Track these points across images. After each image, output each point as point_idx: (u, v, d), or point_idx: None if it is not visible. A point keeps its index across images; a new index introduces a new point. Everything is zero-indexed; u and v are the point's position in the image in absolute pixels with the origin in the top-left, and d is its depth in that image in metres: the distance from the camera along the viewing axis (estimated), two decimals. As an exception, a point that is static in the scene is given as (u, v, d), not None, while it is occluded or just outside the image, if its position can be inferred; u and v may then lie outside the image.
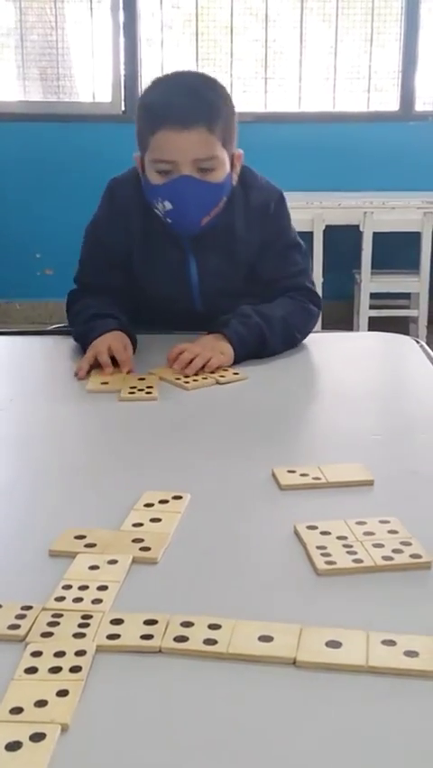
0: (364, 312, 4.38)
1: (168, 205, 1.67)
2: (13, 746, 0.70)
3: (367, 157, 4.73)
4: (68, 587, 0.94)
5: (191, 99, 1.64)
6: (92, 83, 4.91)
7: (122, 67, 4.80)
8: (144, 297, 1.86)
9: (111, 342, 1.67)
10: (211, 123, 1.63)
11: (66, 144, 4.74)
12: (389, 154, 4.74)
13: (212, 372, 1.63)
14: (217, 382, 1.61)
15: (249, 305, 1.77)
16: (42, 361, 1.85)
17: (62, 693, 0.76)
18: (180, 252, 1.80)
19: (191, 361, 1.64)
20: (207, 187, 1.66)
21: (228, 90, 1.76)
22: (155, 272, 1.81)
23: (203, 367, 1.63)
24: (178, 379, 1.61)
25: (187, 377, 1.62)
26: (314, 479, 1.20)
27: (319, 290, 4.27)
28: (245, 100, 4.91)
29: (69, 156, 4.69)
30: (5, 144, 4.77)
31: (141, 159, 1.71)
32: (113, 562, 0.99)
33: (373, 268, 4.34)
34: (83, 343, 1.73)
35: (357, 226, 4.31)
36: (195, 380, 1.61)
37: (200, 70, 4.81)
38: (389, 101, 4.91)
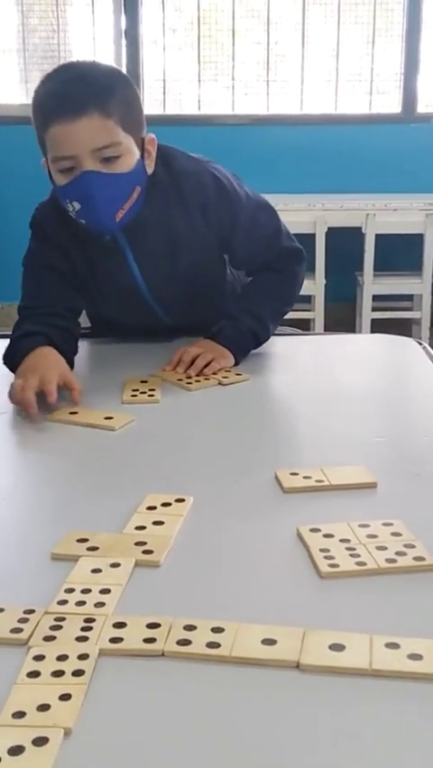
0: (367, 314, 4.37)
1: (77, 206, 1.53)
2: (16, 751, 0.70)
3: (369, 159, 4.72)
4: (70, 590, 0.93)
5: (78, 85, 1.50)
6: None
7: (124, 69, 4.80)
8: (108, 317, 1.80)
9: (33, 374, 1.50)
10: (105, 106, 1.48)
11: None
12: (391, 156, 4.74)
13: (214, 374, 1.63)
14: (220, 383, 1.61)
15: (237, 304, 1.75)
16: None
17: (65, 697, 0.76)
18: (121, 263, 1.68)
19: (193, 362, 1.64)
20: (114, 178, 1.51)
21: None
22: (104, 293, 1.72)
23: (204, 367, 1.64)
24: (180, 380, 1.61)
25: (189, 377, 1.62)
26: (317, 481, 1.20)
27: (321, 293, 4.30)
28: (248, 103, 4.92)
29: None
30: (7, 147, 4.77)
31: (46, 162, 1.57)
32: (115, 565, 0.99)
33: (375, 270, 4.34)
34: (11, 366, 1.60)
35: (360, 228, 4.31)
36: (197, 381, 1.61)
37: (202, 72, 4.85)
38: (391, 103, 4.90)
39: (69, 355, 1.63)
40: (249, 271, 1.83)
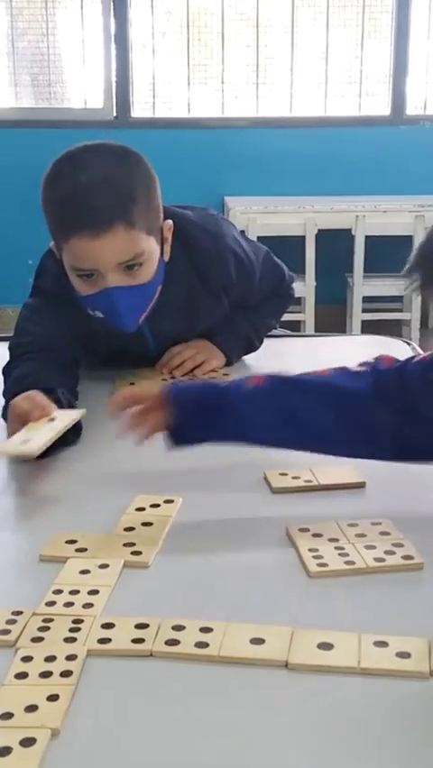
0: (357, 315, 4.38)
1: (99, 314, 1.47)
2: (3, 752, 0.70)
3: (359, 161, 4.73)
4: (58, 591, 0.93)
5: (100, 194, 1.38)
6: (84, 89, 4.91)
7: (113, 73, 4.80)
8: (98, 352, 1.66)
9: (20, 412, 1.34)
10: (129, 218, 1.39)
11: (58, 150, 4.73)
12: (380, 158, 4.74)
13: (203, 374, 1.63)
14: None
15: (237, 311, 1.74)
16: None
17: (53, 698, 0.76)
18: (138, 336, 1.59)
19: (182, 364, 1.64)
20: (137, 291, 1.44)
21: (144, 161, 1.48)
22: (107, 344, 1.60)
23: (193, 369, 1.64)
24: (164, 380, 1.61)
25: (173, 378, 1.62)
26: (306, 481, 1.20)
27: (312, 295, 4.30)
28: (237, 105, 4.92)
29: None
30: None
31: (57, 250, 1.47)
32: (104, 566, 0.99)
33: (365, 271, 4.34)
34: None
35: (349, 230, 4.32)
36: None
37: (192, 75, 4.85)
38: (380, 105, 4.91)
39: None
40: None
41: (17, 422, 1.30)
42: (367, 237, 4.29)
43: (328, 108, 4.93)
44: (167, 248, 1.52)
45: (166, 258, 1.52)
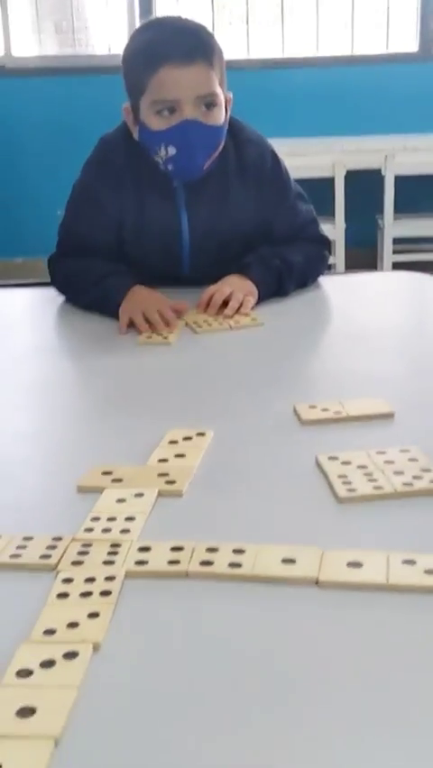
0: (388, 257, 4.35)
1: (171, 151, 1.63)
2: (47, 664, 0.73)
3: (387, 99, 4.67)
4: (96, 519, 0.96)
5: (187, 35, 1.62)
6: (107, 34, 4.87)
7: (137, 17, 4.75)
8: (130, 264, 1.81)
9: (143, 306, 1.62)
10: (210, 59, 1.61)
11: (84, 98, 4.71)
12: (409, 96, 4.68)
13: (231, 316, 1.65)
14: (230, 327, 1.62)
15: (267, 247, 1.77)
16: (59, 313, 1.85)
17: (93, 615, 0.79)
18: (173, 208, 1.75)
19: (225, 304, 1.66)
20: (211, 129, 1.63)
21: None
22: (146, 233, 1.76)
23: (239, 308, 1.66)
24: (194, 323, 1.63)
25: (225, 317, 1.64)
26: (335, 413, 1.22)
27: (342, 237, 4.27)
28: (263, 45, 4.85)
29: (86, 109, 4.67)
30: (22, 100, 4.76)
31: (134, 108, 1.67)
32: (139, 495, 1.02)
33: (395, 212, 4.30)
34: (104, 308, 1.69)
35: (379, 170, 4.27)
36: (209, 325, 1.62)
37: (216, 16, 4.78)
38: (408, 42, 4.82)
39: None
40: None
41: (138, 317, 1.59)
42: (397, 177, 4.25)
43: (355, 46, 4.85)
44: (226, 116, 1.68)
45: (224, 122, 1.67)
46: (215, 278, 1.73)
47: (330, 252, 1.89)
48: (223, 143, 1.69)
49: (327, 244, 1.88)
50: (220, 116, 1.64)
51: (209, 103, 1.61)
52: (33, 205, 4.74)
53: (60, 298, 1.86)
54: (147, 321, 1.60)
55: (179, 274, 1.81)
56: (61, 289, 1.82)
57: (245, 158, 1.75)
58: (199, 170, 1.67)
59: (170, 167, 1.66)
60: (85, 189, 1.79)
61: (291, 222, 1.80)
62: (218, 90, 1.62)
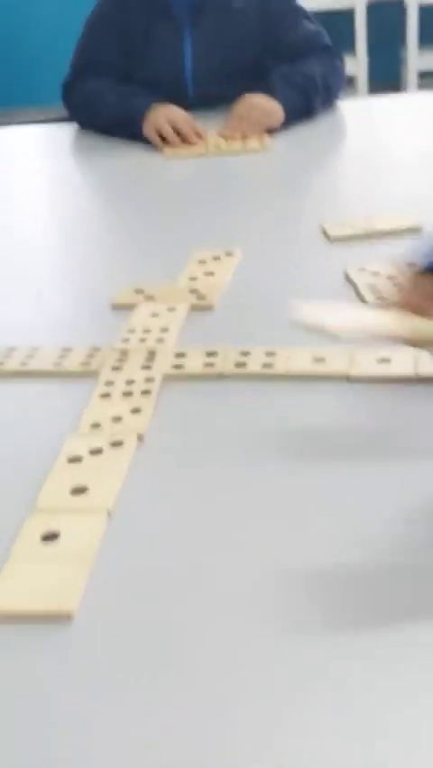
0: (413, 91, 4.22)
1: None
2: (96, 451, 0.78)
3: None
4: (132, 331, 1.00)
5: None
6: None
7: None
8: (135, 83, 1.81)
9: (168, 114, 1.66)
10: None
11: None
12: None
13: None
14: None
15: (286, 66, 1.75)
16: (76, 146, 1.83)
17: (136, 410, 0.84)
18: (176, 29, 1.76)
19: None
20: None
21: None
22: (150, 51, 1.77)
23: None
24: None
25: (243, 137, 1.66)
26: (363, 229, 1.23)
27: (364, 73, 4.14)
28: None
29: None
30: None
31: None
32: (172, 309, 1.05)
33: (420, 44, 4.14)
34: (126, 127, 1.70)
35: (401, 1, 4.09)
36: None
37: None
38: None
39: None
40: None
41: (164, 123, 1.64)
42: (421, 6, 4.06)
43: None
44: None
45: None
46: (218, 98, 1.73)
47: (342, 61, 1.84)
48: None
49: (337, 53, 1.84)
50: None
51: None
52: (40, 55, 4.61)
53: (75, 134, 1.83)
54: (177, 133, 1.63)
55: (183, 95, 1.79)
56: (79, 112, 1.81)
57: None
58: None
59: None
60: (99, 13, 1.81)
61: (295, 32, 1.79)
62: None
